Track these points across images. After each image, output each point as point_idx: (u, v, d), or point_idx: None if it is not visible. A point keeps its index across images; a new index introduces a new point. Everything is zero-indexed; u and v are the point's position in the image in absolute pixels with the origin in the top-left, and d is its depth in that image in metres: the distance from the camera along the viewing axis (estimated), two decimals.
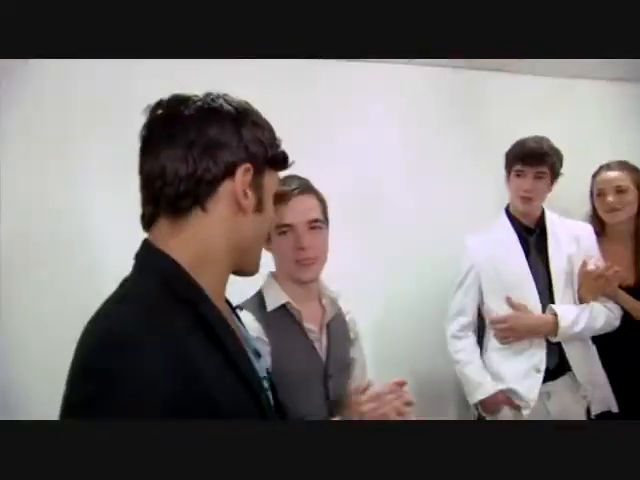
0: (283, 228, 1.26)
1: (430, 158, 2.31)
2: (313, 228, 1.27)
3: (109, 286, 0.72)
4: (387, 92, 2.24)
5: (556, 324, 1.72)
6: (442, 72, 2.29)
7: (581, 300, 1.81)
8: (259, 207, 0.76)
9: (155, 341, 0.59)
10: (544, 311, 1.77)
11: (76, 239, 1.77)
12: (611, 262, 1.81)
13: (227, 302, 0.84)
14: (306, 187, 1.29)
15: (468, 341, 1.90)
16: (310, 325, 1.30)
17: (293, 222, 1.25)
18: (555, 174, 1.83)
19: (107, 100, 1.78)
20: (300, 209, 1.26)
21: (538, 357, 1.76)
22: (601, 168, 2.01)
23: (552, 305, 1.76)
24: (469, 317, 1.91)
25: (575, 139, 2.13)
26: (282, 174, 1.22)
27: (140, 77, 1.78)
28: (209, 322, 0.67)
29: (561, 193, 1.93)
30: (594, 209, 2.03)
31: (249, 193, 0.73)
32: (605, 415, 1.82)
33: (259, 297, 1.31)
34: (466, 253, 1.93)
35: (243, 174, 0.72)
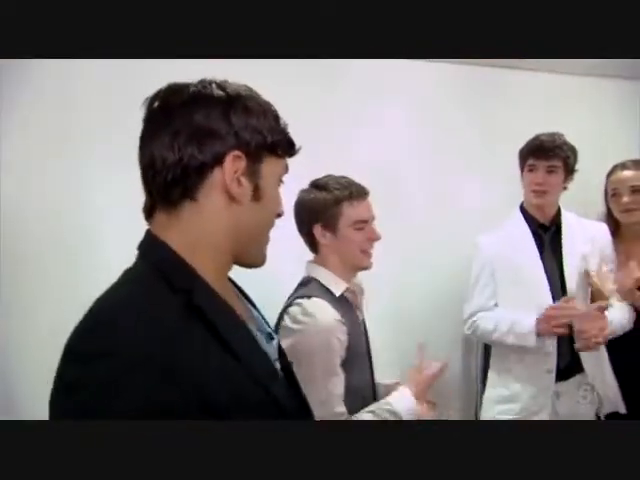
0: (361, 224, 1.40)
1: (445, 155, 2.30)
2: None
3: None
4: (400, 90, 2.23)
5: None
6: (455, 69, 2.27)
7: (594, 301, 1.78)
8: (256, 195, 0.72)
9: (139, 327, 0.58)
10: None
11: (76, 239, 1.77)
12: (624, 261, 1.79)
13: (234, 284, 0.83)
14: None
15: (484, 315, 1.83)
16: (359, 307, 1.47)
17: (370, 218, 1.42)
18: (569, 170, 1.79)
19: (107, 100, 1.78)
20: (371, 207, 1.43)
21: (548, 358, 1.74)
22: (616, 167, 1.97)
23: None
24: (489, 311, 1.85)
25: (591, 137, 2.10)
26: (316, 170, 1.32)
27: (140, 77, 1.78)
28: (202, 308, 0.65)
29: (573, 191, 1.89)
30: (608, 209, 1.99)
31: (243, 181, 0.71)
32: (613, 416, 1.80)
33: (320, 285, 1.39)
34: (478, 252, 1.90)
35: (233, 162, 0.69)
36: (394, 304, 2.22)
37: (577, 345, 1.66)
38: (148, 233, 0.72)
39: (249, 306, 0.84)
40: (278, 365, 0.80)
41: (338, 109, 2.10)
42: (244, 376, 0.66)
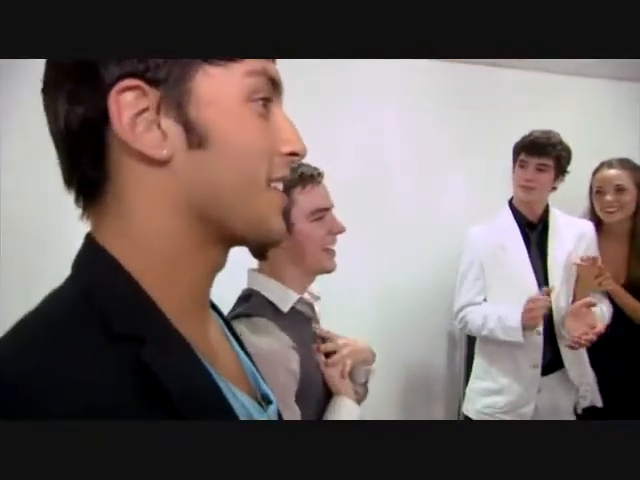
0: (320, 213, 1.11)
1: (432, 153, 2.32)
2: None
3: None
4: (390, 87, 2.25)
5: None
6: (444, 66, 2.30)
7: (576, 297, 1.80)
8: (194, 138, 0.42)
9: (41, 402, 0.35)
10: None
11: (76, 239, 1.77)
12: (605, 259, 1.82)
13: (218, 313, 0.58)
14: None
15: (473, 309, 1.84)
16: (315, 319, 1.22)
17: (330, 206, 1.14)
18: (560, 169, 1.79)
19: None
20: (328, 194, 1.14)
21: (534, 353, 1.77)
22: (602, 165, 1.97)
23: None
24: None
25: (576, 135, 2.11)
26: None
27: None
28: (154, 370, 0.39)
29: (567, 191, 1.90)
30: (592, 206, 2.01)
31: (164, 122, 0.42)
32: (590, 410, 1.84)
33: (264, 301, 1.10)
34: (468, 245, 1.91)
35: (121, 98, 0.41)
36: (378, 299, 2.23)
37: (569, 343, 1.69)
38: (87, 238, 0.47)
39: (238, 350, 0.57)
40: None
41: (326, 108, 2.11)
42: None
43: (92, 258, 0.45)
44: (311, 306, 1.18)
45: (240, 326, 1.00)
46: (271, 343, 1.00)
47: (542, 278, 1.80)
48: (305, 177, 1.10)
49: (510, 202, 1.91)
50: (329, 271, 1.16)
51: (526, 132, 1.83)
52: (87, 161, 0.44)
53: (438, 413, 2.37)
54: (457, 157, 2.35)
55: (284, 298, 1.10)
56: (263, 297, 1.11)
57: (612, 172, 1.94)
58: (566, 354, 1.79)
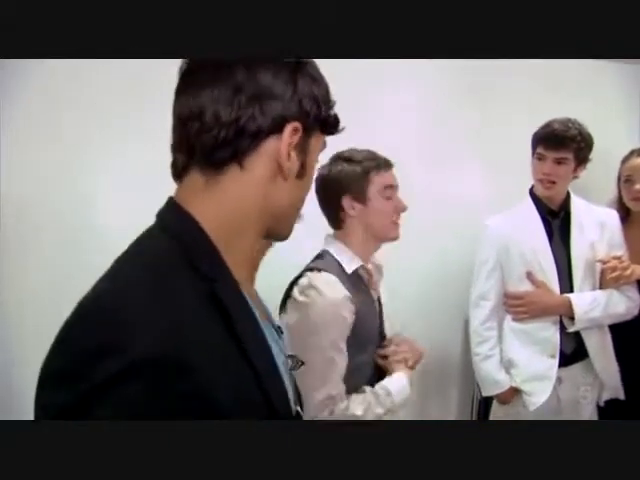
0: (389, 191, 1.42)
1: (447, 142, 2.27)
2: None
3: None
4: (403, 76, 2.21)
5: (571, 308, 1.71)
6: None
7: (602, 288, 1.77)
8: (301, 173, 0.67)
9: (153, 316, 0.51)
10: None
11: (75, 241, 1.77)
12: (633, 249, 1.78)
13: None
14: None
15: (490, 334, 1.86)
16: (374, 286, 1.47)
17: (396, 186, 1.44)
18: (581, 159, 1.74)
19: (107, 100, 1.78)
20: (395, 177, 1.45)
21: (552, 343, 1.75)
22: (632, 153, 1.91)
23: (568, 295, 1.74)
24: (492, 301, 1.85)
25: (594, 122, 2.06)
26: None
27: (140, 77, 1.78)
28: (224, 304, 0.57)
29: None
30: (620, 195, 1.95)
31: (293, 156, 0.64)
32: (612, 402, 1.81)
33: (334, 260, 1.39)
34: (488, 235, 1.87)
35: (291, 133, 0.63)
36: (394, 286, 2.21)
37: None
38: (172, 202, 0.64)
39: (261, 300, 0.78)
40: (286, 362, 0.74)
41: (340, 103, 2.09)
42: (250, 372, 0.59)
43: (178, 217, 0.62)
44: (369, 273, 1.43)
45: (311, 275, 1.33)
46: (332, 293, 1.30)
47: (566, 268, 1.77)
48: (380, 164, 1.41)
49: (531, 190, 1.86)
50: (394, 239, 1.46)
51: (541, 118, 1.77)
52: (240, 143, 0.61)
53: (452, 398, 2.36)
54: (473, 145, 2.30)
55: (350, 261, 1.39)
56: (333, 257, 1.40)
57: None
58: (590, 344, 1.76)
